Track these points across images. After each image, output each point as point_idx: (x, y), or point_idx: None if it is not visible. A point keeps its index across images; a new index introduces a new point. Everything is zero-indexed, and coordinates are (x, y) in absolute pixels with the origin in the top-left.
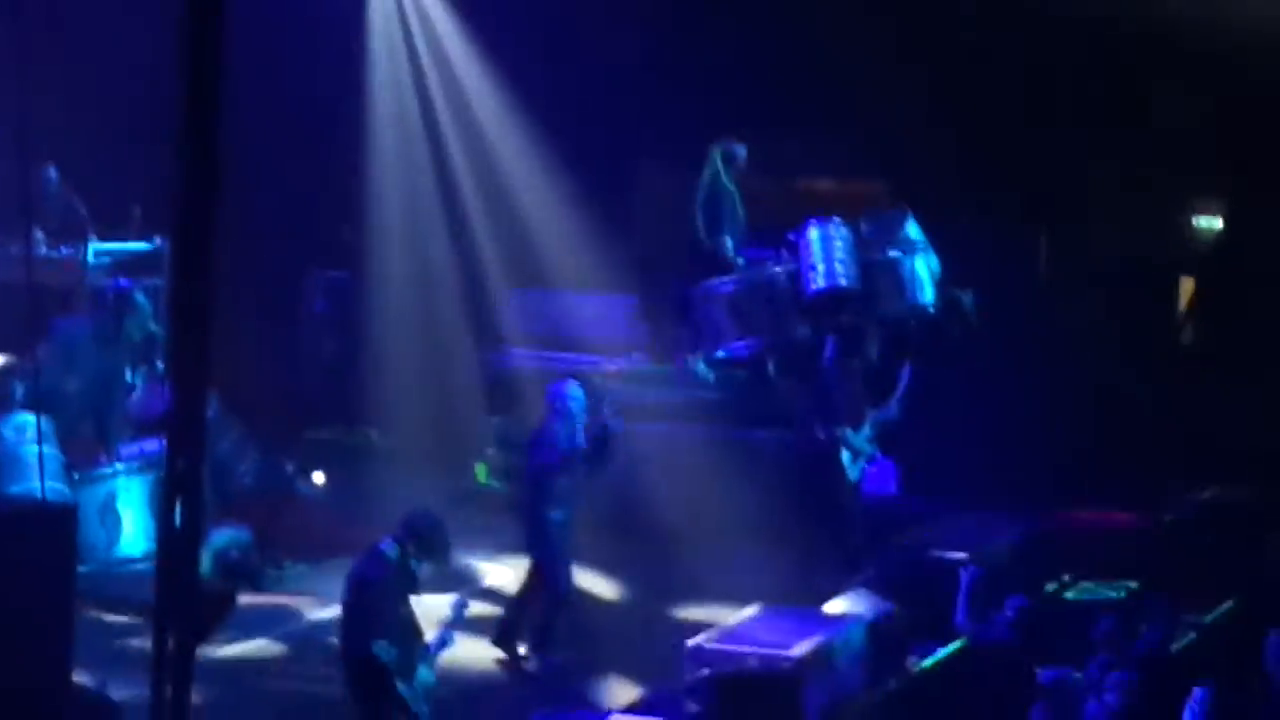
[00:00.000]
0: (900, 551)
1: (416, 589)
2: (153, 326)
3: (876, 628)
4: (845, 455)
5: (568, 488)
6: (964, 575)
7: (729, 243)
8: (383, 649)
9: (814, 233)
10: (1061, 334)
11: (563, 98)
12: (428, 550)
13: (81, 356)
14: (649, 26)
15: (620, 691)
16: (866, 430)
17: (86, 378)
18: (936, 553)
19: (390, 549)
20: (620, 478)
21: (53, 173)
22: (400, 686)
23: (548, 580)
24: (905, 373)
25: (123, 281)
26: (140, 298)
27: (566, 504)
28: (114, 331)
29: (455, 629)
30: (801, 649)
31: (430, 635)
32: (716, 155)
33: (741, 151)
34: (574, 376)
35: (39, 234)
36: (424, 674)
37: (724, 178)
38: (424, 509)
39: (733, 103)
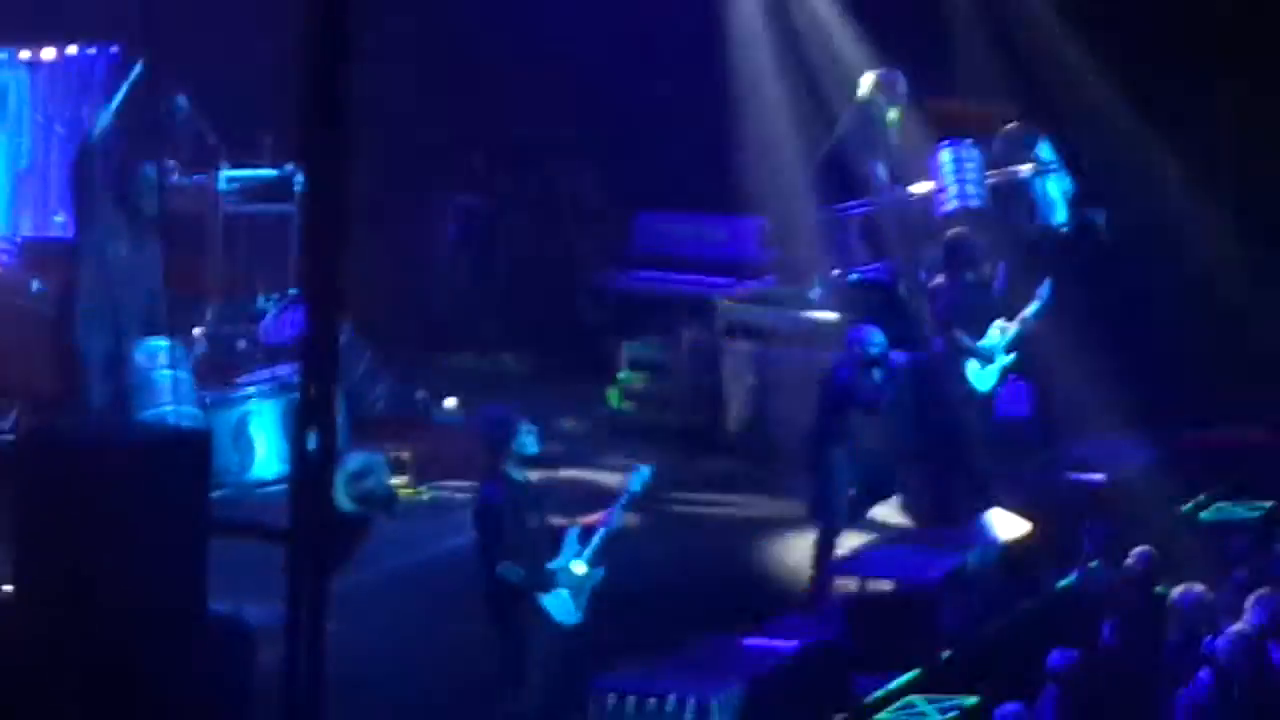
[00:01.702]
0: (1035, 473)
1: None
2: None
3: (1010, 550)
4: (972, 369)
5: (850, 427)
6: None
7: (881, 170)
8: (508, 570)
9: (945, 154)
10: (1195, 254)
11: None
12: (502, 448)
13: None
14: None
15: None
16: (995, 340)
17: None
18: (1071, 474)
19: (509, 468)
20: (752, 403)
21: (183, 101)
22: (541, 598)
23: (820, 514)
24: (1044, 288)
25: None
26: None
27: (849, 441)
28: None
29: (627, 506)
30: (936, 571)
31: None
32: (871, 81)
33: (899, 80)
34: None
35: (170, 162)
36: (573, 575)
37: (879, 105)
38: (486, 410)
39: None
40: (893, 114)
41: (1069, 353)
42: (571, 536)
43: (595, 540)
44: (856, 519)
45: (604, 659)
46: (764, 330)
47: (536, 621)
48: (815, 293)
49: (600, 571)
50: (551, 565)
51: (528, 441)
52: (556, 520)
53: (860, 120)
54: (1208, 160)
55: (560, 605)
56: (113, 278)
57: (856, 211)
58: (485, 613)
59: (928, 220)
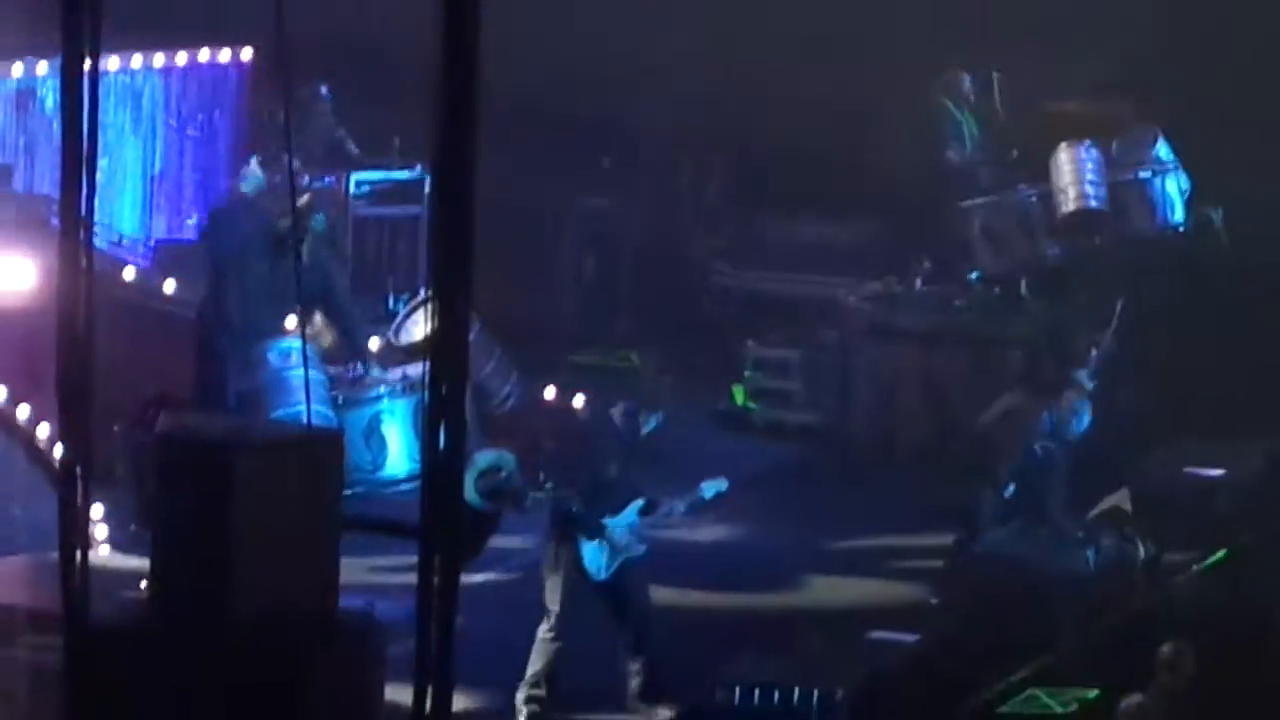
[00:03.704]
0: (1156, 469)
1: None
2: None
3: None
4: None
5: None
6: None
7: (955, 160)
8: (567, 499)
9: (1064, 154)
10: None
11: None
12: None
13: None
14: None
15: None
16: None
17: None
18: (1192, 470)
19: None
20: (876, 402)
21: (324, 90)
22: (581, 540)
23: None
24: (1119, 309)
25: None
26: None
27: None
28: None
29: (691, 508)
30: (1056, 564)
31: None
32: (937, 86)
33: (963, 79)
34: None
35: (298, 163)
36: (616, 536)
37: (951, 106)
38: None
39: (978, 23)
40: (965, 112)
41: (1181, 353)
42: (636, 505)
43: (651, 517)
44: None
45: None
46: (889, 329)
47: (570, 559)
48: (938, 290)
49: (643, 548)
50: (607, 519)
51: (653, 421)
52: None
53: (938, 121)
54: None
55: (593, 556)
56: (248, 278)
57: (975, 211)
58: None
59: (1048, 220)
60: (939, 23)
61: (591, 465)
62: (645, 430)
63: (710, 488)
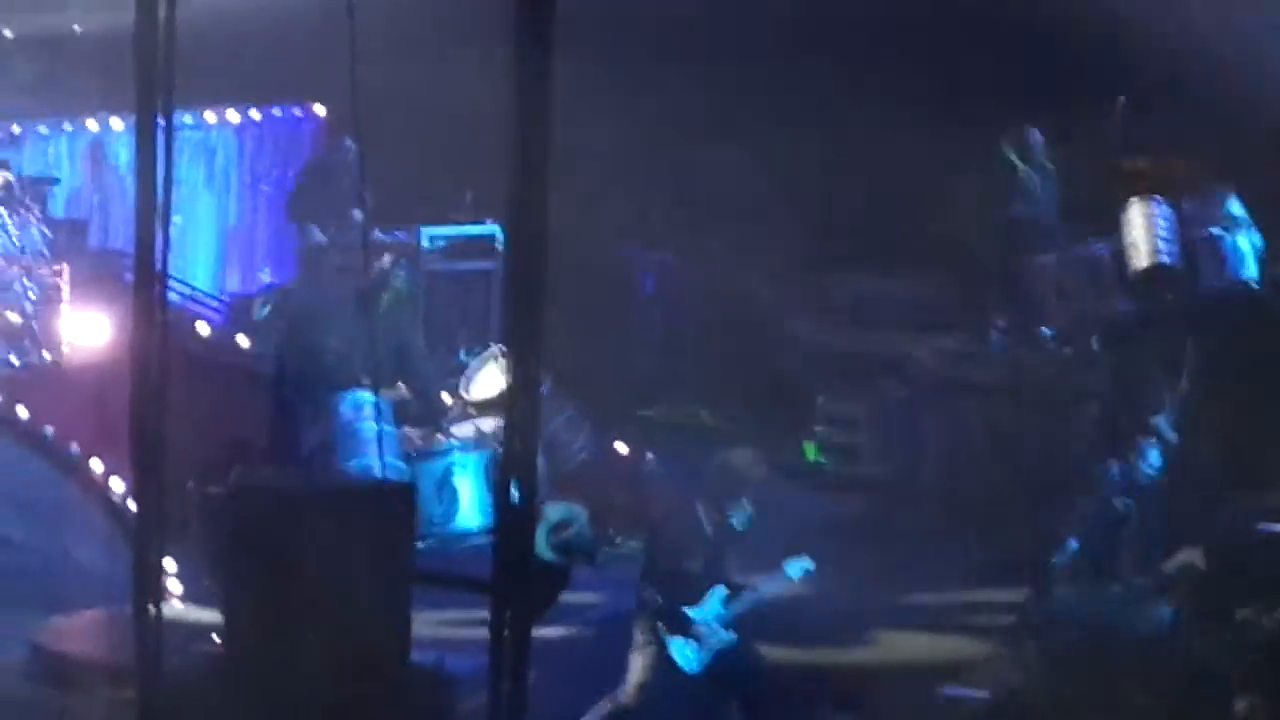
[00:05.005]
0: (1230, 523)
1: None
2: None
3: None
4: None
5: None
6: None
7: (1030, 220)
8: (649, 594)
9: (1136, 210)
10: None
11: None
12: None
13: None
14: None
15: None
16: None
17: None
18: (1266, 524)
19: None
20: (946, 457)
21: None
22: (666, 635)
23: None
24: (1191, 362)
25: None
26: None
27: None
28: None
29: (773, 592)
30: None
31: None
32: (1007, 142)
33: (1033, 135)
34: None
35: (356, 213)
36: (703, 629)
37: (1020, 162)
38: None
39: (1049, 80)
40: (1033, 168)
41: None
42: (719, 594)
43: (738, 605)
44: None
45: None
46: (960, 384)
47: (657, 655)
48: (1009, 345)
49: (732, 637)
50: (691, 610)
51: (741, 517)
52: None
53: (1007, 176)
54: None
55: (681, 651)
56: (324, 333)
57: (1047, 265)
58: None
59: (1120, 275)
60: (1008, 79)
61: (676, 562)
62: (735, 525)
63: (796, 568)
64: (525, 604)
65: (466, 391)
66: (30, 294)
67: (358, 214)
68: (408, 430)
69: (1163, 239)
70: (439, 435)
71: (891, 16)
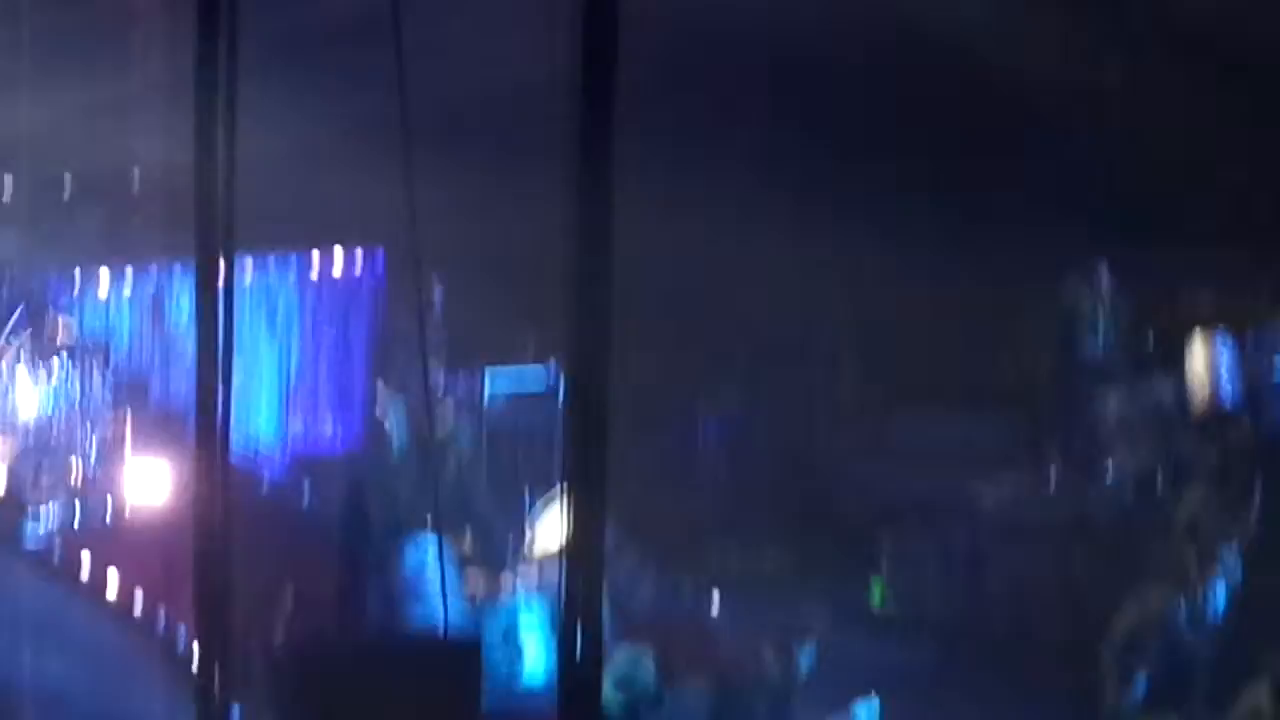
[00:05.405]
0: None
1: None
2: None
3: None
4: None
5: None
6: None
7: (1086, 352)
8: None
9: (1198, 346)
10: None
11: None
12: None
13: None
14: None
15: None
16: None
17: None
18: None
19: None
20: (1011, 599)
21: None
22: None
23: None
24: (1257, 499)
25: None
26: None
27: None
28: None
29: None
30: None
31: None
32: (1068, 277)
33: (1102, 272)
34: None
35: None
36: None
37: (1081, 297)
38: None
39: (1110, 214)
40: (1099, 305)
41: None
42: None
43: None
44: None
45: None
46: (1023, 525)
47: None
48: (1072, 484)
49: None
50: None
51: (808, 660)
52: None
53: (1068, 312)
54: None
55: None
56: (392, 487)
57: (1107, 406)
58: None
59: (1184, 411)
60: (1068, 213)
61: (743, 706)
62: (801, 665)
63: (864, 709)
64: None
65: (532, 535)
66: (93, 444)
67: (423, 365)
68: (472, 572)
69: (1225, 376)
70: (504, 579)
71: (955, 170)
